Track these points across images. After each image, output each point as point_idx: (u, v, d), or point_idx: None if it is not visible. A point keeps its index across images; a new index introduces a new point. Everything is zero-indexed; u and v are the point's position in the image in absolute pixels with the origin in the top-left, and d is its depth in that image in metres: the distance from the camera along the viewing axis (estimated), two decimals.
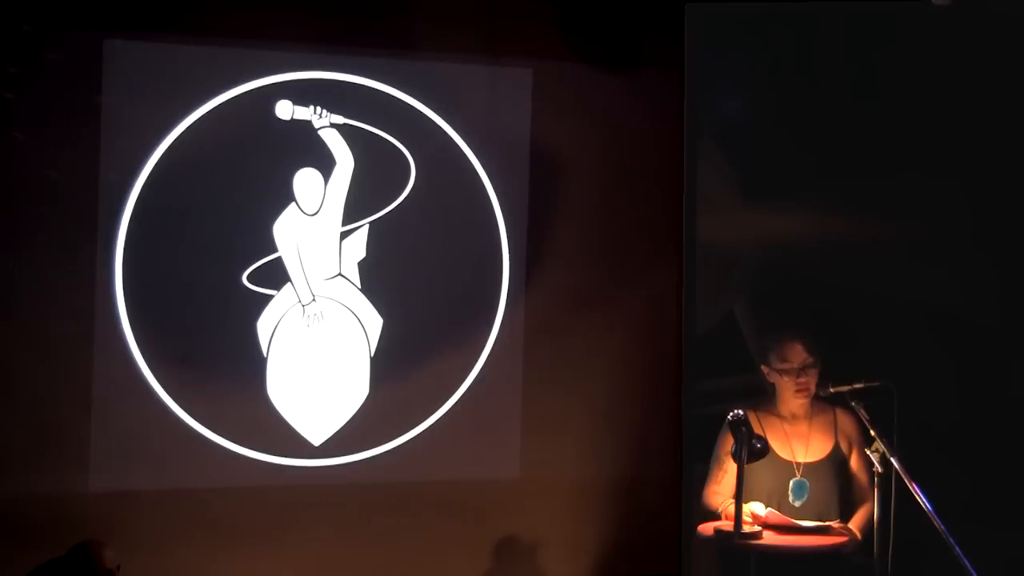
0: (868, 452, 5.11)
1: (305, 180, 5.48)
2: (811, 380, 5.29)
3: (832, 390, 5.25)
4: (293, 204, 5.47)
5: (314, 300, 5.50)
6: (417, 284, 5.62)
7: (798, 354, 5.28)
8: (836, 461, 5.31)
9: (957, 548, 4.84)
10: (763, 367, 5.40)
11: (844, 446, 5.32)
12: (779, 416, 5.35)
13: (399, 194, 5.58)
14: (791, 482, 5.28)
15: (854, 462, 5.31)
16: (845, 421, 5.33)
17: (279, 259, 5.45)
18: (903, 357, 5.64)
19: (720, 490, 5.30)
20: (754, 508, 5.13)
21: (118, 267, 5.23)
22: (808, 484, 5.26)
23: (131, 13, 5.21)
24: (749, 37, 5.90)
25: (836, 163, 5.84)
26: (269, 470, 5.43)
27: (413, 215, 5.59)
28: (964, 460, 5.68)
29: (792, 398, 5.32)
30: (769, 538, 5.06)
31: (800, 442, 5.31)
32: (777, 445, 5.26)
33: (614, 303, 5.85)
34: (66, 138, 5.13)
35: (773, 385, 5.38)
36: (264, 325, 5.44)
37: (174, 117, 5.29)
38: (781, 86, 5.91)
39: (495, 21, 5.72)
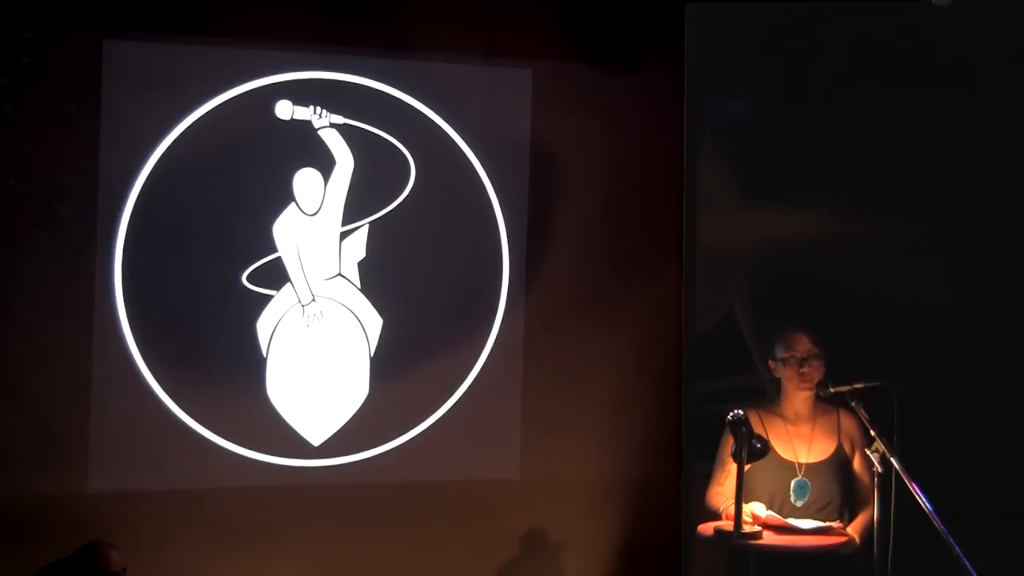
0: (868, 452, 5.11)
1: (305, 180, 5.47)
2: (814, 372, 5.29)
3: (832, 390, 5.25)
4: (293, 204, 5.47)
5: (314, 300, 5.50)
6: (417, 284, 5.62)
7: (803, 343, 5.30)
8: (838, 462, 5.31)
9: (957, 548, 4.84)
10: (770, 361, 5.40)
11: (847, 447, 5.32)
12: (782, 417, 5.35)
13: (399, 194, 5.58)
14: (792, 482, 5.28)
15: (857, 464, 5.31)
16: (848, 423, 5.33)
17: (279, 259, 5.45)
18: (903, 357, 5.64)
19: (723, 491, 5.30)
20: (754, 508, 5.13)
21: (118, 267, 5.23)
22: (810, 484, 5.27)
23: (131, 13, 5.21)
24: (749, 37, 5.90)
25: (836, 163, 5.84)
26: (269, 470, 5.43)
27: (413, 215, 5.59)
28: (964, 460, 5.68)
29: (796, 392, 5.32)
30: (769, 538, 5.06)
31: (803, 443, 5.32)
32: (780, 445, 5.27)
33: (614, 303, 5.85)
34: (66, 138, 5.13)
35: (778, 381, 5.39)
36: (264, 325, 5.43)
37: (174, 117, 5.29)
38: (781, 86, 5.91)
39: (495, 21, 5.71)
